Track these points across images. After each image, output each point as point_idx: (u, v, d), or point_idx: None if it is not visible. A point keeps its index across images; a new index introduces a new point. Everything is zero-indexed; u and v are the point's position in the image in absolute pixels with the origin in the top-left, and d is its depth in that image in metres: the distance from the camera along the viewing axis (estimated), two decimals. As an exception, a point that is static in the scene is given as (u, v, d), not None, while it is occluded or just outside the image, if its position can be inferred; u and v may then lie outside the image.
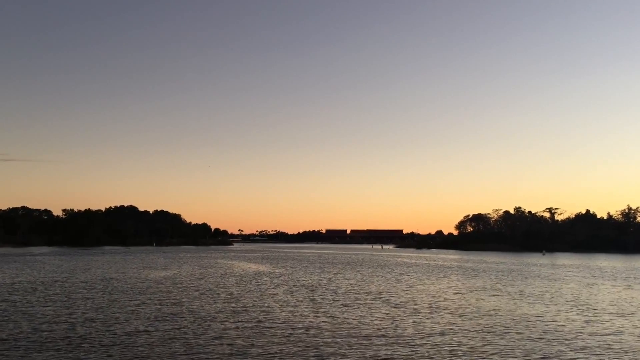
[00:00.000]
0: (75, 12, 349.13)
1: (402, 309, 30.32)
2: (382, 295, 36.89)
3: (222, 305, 30.83)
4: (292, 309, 29.40)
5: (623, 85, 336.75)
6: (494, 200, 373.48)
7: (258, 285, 43.79)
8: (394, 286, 44.29)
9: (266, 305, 31.07)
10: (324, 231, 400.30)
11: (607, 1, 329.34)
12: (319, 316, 27.08)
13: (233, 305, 30.91)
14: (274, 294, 36.81)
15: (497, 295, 38.25)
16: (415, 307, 31.13)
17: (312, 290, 39.74)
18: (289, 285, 43.54)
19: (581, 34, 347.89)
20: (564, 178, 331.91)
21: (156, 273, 56.02)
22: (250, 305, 30.96)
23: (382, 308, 30.49)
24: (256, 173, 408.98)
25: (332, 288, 41.83)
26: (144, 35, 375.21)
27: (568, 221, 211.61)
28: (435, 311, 29.41)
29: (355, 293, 38.40)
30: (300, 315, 27.41)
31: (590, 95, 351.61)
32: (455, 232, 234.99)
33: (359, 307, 30.54)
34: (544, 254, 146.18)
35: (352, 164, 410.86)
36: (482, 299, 35.37)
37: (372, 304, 32.36)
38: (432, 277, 55.66)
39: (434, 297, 36.51)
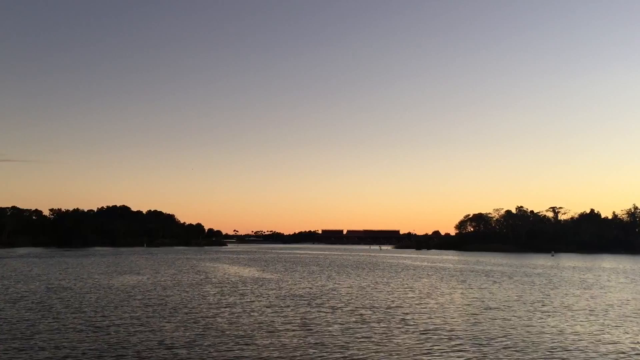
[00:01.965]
0: (63, 11, 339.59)
1: (431, 336, 21.66)
2: (396, 312, 28.28)
3: (179, 331, 22.15)
4: (275, 340, 20.72)
5: (627, 84, 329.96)
6: (493, 199, 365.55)
7: (238, 297, 35.12)
8: (407, 297, 35.72)
9: (241, 330, 22.45)
10: (320, 232, 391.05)
11: (608, 1, 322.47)
12: (313, 351, 18.55)
13: (196, 330, 22.28)
14: (256, 311, 28.19)
15: (551, 311, 29.60)
16: (450, 332, 22.40)
17: (306, 304, 31.15)
18: (276, 297, 34.93)
19: (584, 34, 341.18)
20: (567, 177, 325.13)
21: (122, 279, 47.26)
22: (219, 331, 22.29)
23: (402, 335, 21.85)
24: (252, 173, 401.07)
25: (330, 301, 33.20)
26: (139, 36, 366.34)
27: (572, 221, 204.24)
28: (484, 343, 20.60)
29: (360, 308, 29.86)
30: (288, 349, 18.87)
31: (594, 93, 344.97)
32: (454, 232, 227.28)
33: (369, 335, 21.83)
34: (552, 255, 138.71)
35: (348, 164, 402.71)
36: (535, 319, 26.71)
37: (386, 327, 23.69)
38: (447, 283, 47.06)
39: (467, 314, 27.84)
